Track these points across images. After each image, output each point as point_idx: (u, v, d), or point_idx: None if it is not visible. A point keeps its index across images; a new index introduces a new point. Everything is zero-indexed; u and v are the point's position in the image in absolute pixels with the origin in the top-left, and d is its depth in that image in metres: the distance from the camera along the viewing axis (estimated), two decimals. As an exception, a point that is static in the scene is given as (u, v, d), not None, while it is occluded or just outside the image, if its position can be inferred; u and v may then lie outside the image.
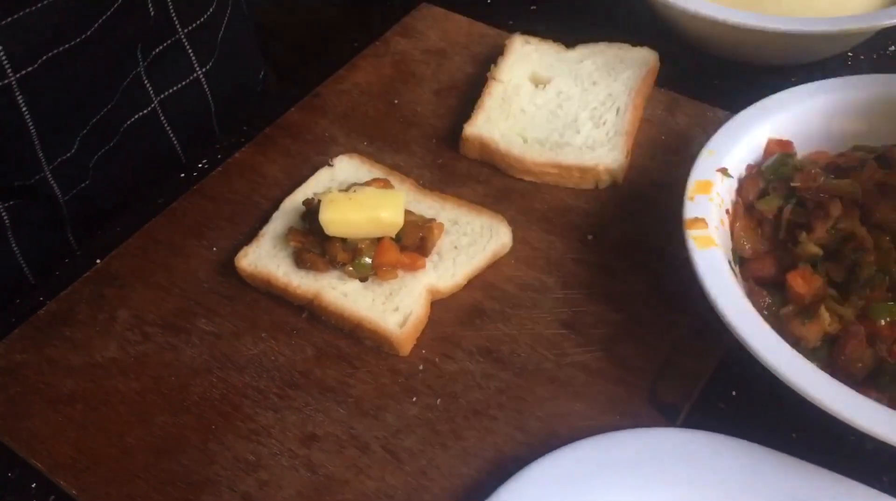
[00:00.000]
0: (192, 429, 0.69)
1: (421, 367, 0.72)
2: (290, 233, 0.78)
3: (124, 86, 0.93)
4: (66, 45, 0.81)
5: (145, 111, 0.98)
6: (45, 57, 0.80)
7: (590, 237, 0.80)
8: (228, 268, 0.79)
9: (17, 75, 0.78)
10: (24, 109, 0.81)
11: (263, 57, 1.23)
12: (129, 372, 0.73)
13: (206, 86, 1.04)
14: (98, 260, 0.81)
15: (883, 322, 0.65)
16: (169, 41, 0.97)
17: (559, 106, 0.90)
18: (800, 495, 0.60)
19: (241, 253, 0.79)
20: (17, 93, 0.80)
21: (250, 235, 0.81)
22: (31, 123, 0.83)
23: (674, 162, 0.85)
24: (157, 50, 0.96)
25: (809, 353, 0.64)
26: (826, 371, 0.61)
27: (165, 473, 0.67)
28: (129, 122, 0.96)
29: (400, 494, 0.65)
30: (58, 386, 0.72)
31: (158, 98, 0.99)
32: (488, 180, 0.86)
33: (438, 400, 0.70)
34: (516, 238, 0.80)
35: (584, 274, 0.77)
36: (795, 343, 0.64)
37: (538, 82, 0.93)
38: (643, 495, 0.61)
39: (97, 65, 0.87)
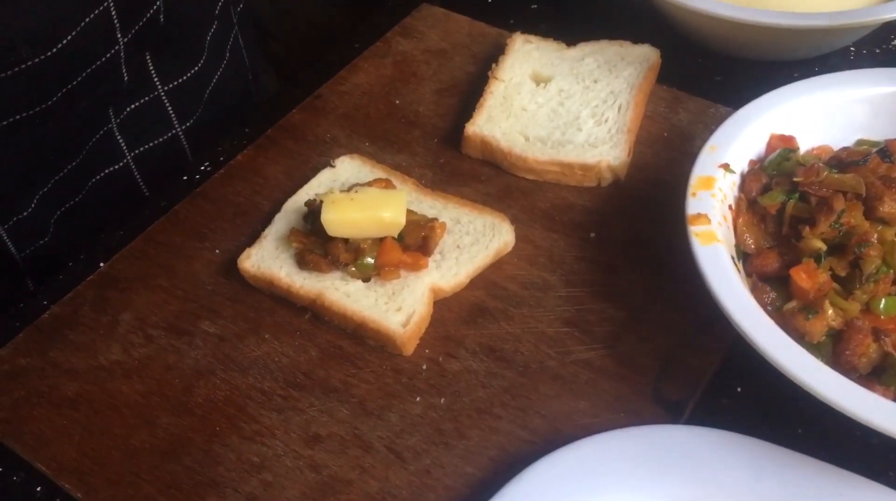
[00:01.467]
0: (196, 431, 0.69)
1: (424, 367, 0.72)
2: (292, 234, 0.78)
3: (92, 143, 0.89)
4: (28, 113, 0.77)
5: (117, 166, 0.94)
6: (3, 122, 0.76)
7: (592, 235, 0.80)
8: (231, 270, 0.79)
9: None
10: None
11: (267, 63, 1.22)
12: (133, 374, 0.73)
13: (184, 142, 0.99)
14: (101, 264, 0.81)
15: (887, 316, 0.64)
16: (146, 98, 0.92)
17: (560, 104, 0.90)
18: (805, 491, 0.60)
19: (244, 254, 0.79)
20: None
21: (253, 237, 0.81)
22: None
23: (676, 158, 0.84)
24: (132, 107, 0.91)
25: (813, 348, 0.64)
26: (830, 366, 0.61)
27: (170, 475, 0.67)
28: (97, 177, 0.92)
29: (404, 494, 0.65)
30: (62, 390, 0.72)
31: (133, 153, 0.94)
32: (490, 179, 0.86)
33: (442, 400, 0.70)
34: (519, 236, 0.80)
35: (586, 272, 0.77)
36: (799, 338, 0.64)
37: (539, 81, 0.93)
38: (648, 492, 0.61)
39: (62, 128, 0.83)
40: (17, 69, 0.73)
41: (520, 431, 0.68)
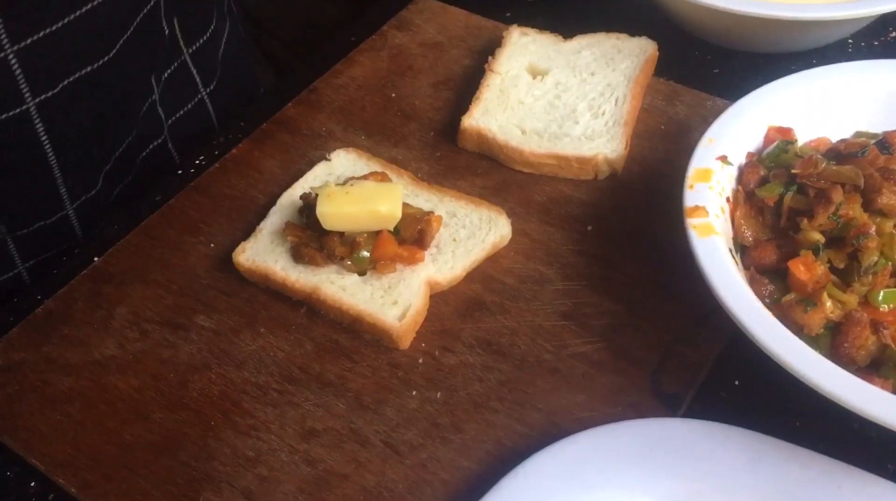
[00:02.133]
0: (191, 426, 0.69)
1: (420, 360, 0.72)
2: (287, 228, 0.78)
3: (141, 115, 0.90)
4: (88, 69, 0.78)
5: (158, 141, 0.96)
6: (65, 81, 0.76)
7: (589, 228, 0.80)
8: (226, 264, 0.78)
9: (36, 100, 0.74)
10: (43, 139, 0.78)
11: (263, 57, 1.23)
12: (128, 369, 0.73)
13: (210, 106, 1.02)
14: (96, 258, 0.81)
15: (886, 308, 0.64)
16: (176, 63, 0.95)
17: (557, 97, 0.89)
18: (804, 484, 0.59)
19: (239, 248, 0.78)
20: (37, 121, 0.76)
21: (248, 231, 0.80)
22: (51, 155, 0.80)
23: (673, 151, 0.84)
24: (167, 73, 0.93)
25: (812, 341, 0.63)
26: (829, 358, 0.61)
27: (165, 470, 0.66)
28: (144, 154, 0.94)
29: (400, 488, 0.64)
30: (56, 385, 0.72)
31: (168, 123, 0.96)
32: (487, 172, 0.86)
33: (438, 394, 0.69)
34: (515, 230, 0.79)
35: (583, 266, 0.77)
36: (798, 330, 0.64)
37: (536, 73, 0.92)
38: (646, 486, 0.61)
39: (116, 92, 0.84)
40: (85, 8, 0.74)
41: (516, 425, 0.67)
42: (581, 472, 0.61)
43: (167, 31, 0.88)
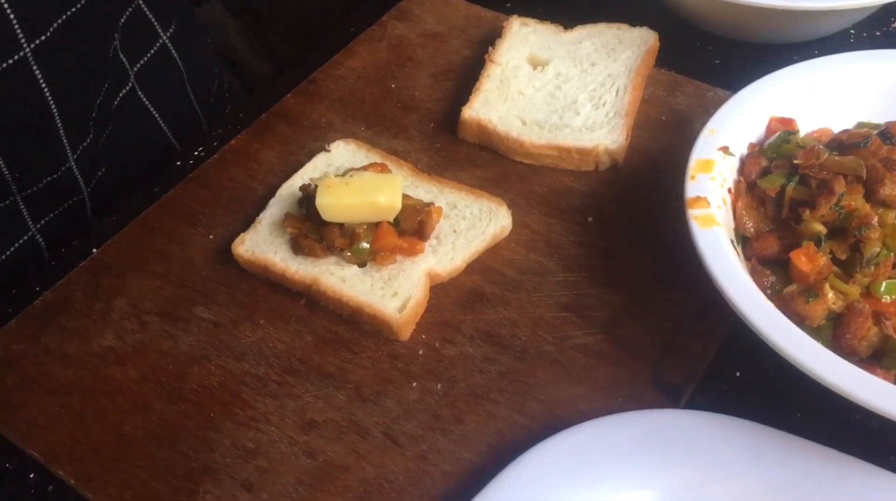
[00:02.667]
0: (190, 417, 0.69)
1: (421, 352, 0.71)
2: (286, 219, 0.77)
3: (108, 60, 0.90)
4: (72, 10, 0.78)
5: (126, 88, 0.95)
6: (55, 24, 0.76)
7: (590, 219, 0.80)
8: (225, 256, 0.78)
9: (32, 45, 0.75)
10: (43, 86, 0.78)
11: (262, 49, 1.22)
12: (127, 360, 0.72)
13: (174, 52, 1.00)
14: (94, 250, 0.81)
15: (888, 299, 0.64)
16: (130, 8, 0.93)
17: (558, 87, 0.89)
18: (805, 475, 0.59)
19: (238, 240, 0.78)
20: (34, 67, 0.76)
21: (247, 222, 0.80)
22: (52, 103, 0.79)
23: (674, 142, 0.84)
24: (123, 19, 0.92)
25: (814, 332, 0.63)
26: (831, 349, 0.60)
27: (164, 461, 0.66)
28: (116, 102, 0.94)
29: (401, 479, 0.64)
30: (55, 376, 0.72)
31: (134, 70, 0.95)
32: (487, 164, 0.85)
33: (439, 385, 0.69)
34: (516, 221, 0.79)
35: (584, 257, 0.77)
36: (800, 322, 0.63)
37: (536, 64, 0.92)
38: (647, 477, 0.60)
39: (93, 36, 0.83)
40: None
41: (517, 416, 0.67)
42: (582, 464, 0.61)
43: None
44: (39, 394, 0.71)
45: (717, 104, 0.77)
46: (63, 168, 0.86)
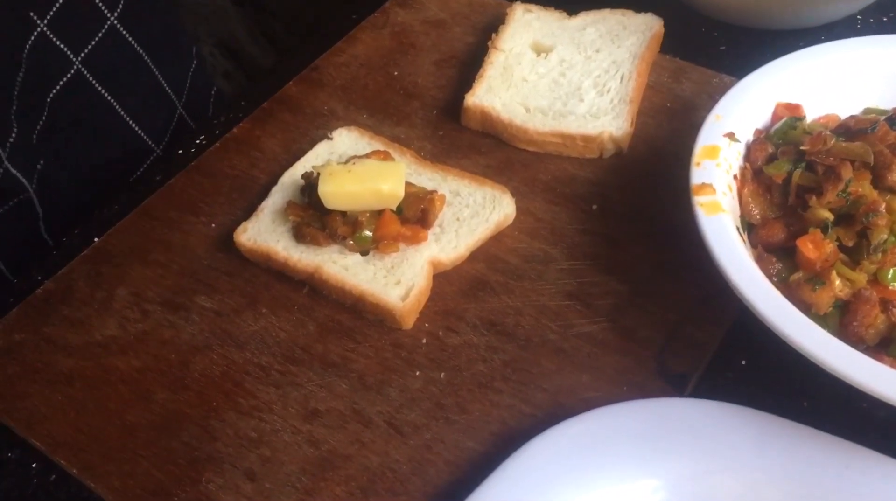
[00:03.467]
0: (192, 407, 0.68)
1: (424, 341, 0.71)
2: (289, 208, 0.77)
3: (27, 49, 0.84)
4: None
5: (68, 75, 0.90)
6: None
7: (594, 207, 0.79)
8: (227, 244, 0.78)
9: None
10: None
11: (263, 37, 1.20)
12: (129, 350, 0.72)
13: (125, 33, 0.95)
14: (95, 239, 0.80)
15: (895, 286, 0.63)
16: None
17: (562, 74, 0.88)
18: (811, 464, 0.59)
19: (240, 228, 0.77)
20: None
21: (249, 210, 0.80)
22: None
23: (680, 129, 0.83)
24: (56, 6, 0.86)
25: (820, 320, 0.63)
26: (837, 337, 0.60)
27: (167, 451, 0.66)
28: (54, 91, 0.89)
29: (404, 468, 0.64)
30: (57, 366, 0.71)
31: (79, 57, 0.90)
32: (490, 151, 0.85)
33: (442, 374, 0.69)
34: (520, 209, 0.78)
35: (589, 245, 0.76)
36: (806, 309, 0.63)
37: (540, 51, 0.91)
38: (652, 466, 0.60)
39: None
40: None
41: (521, 405, 0.67)
42: (586, 453, 0.60)
43: None
44: (41, 384, 0.70)
45: (723, 90, 0.76)
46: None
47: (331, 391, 0.68)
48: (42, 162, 0.89)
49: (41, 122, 0.89)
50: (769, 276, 0.65)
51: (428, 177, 0.80)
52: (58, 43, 0.88)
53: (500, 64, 0.89)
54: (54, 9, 0.86)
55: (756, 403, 0.62)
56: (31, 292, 0.77)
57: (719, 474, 0.60)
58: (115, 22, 0.93)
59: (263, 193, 0.81)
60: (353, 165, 0.75)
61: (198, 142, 0.89)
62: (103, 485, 0.65)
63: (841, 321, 0.63)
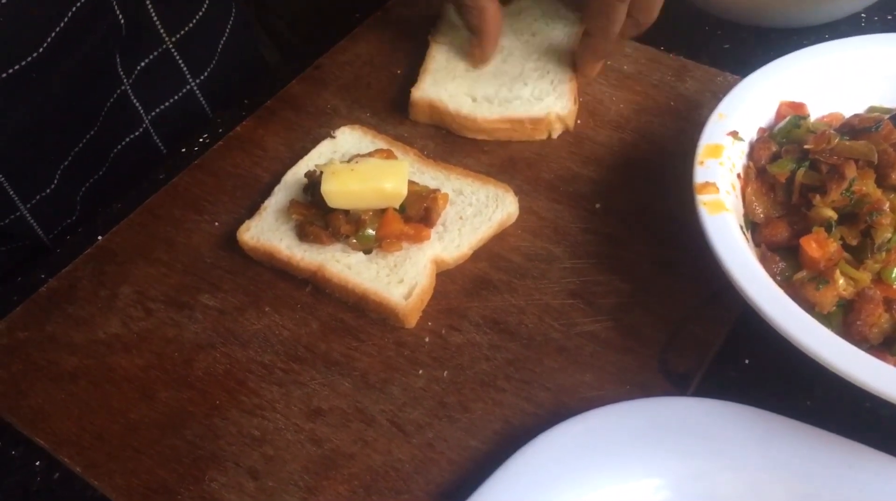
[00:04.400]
0: (196, 405, 0.68)
1: (427, 339, 0.71)
2: (292, 206, 0.77)
3: (108, 107, 0.86)
4: (21, 64, 0.74)
5: (136, 133, 0.92)
6: (4, 73, 0.73)
7: (598, 206, 0.79)
8: (230, 243, 0.78)
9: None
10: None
11: (266, 35, 1.20)
12: (132, 348, 0.72)
13: (201, 97, 0.98)
14: (99, 237, 0.80)
15: (900, 285, 0.63)
16: (156, 52, 0.90)
17: (503, 61, 0.89)
18: (814, 463, 0.59)
19: (243, 227, 0.77)
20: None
21: (252, 209, 0.80)
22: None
23: (683, 128, 0.83)
24: (143, 63, 0.89)
25: (824, 319, 0.63)
26: (841, 336, 0.60)
27: (170, 449, 0.66)
28: (119, 147, 0.91)
29: (407, 467, 0.64)
30: (61, 363, 0.72)
31: (150, 115, 0.92)
32: (493, 150, 0.85)
33: (445, 373, 0.69)
34: (523, 207, 0.78)
35: (592, 244, 0.76)
36: (809, 308, 0.63)
37: None
38: (654, 465, 0.60)
39: (64, 84, 0.79)
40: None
41: (524, 404, 0.67)
42: (589, 452, 0.60)
43: (123, 21, 0.83)
44: (45, 382, 0.71)
45: (726, 89, 0.76)
46: (12, 216, 0.82)
47: (334, 389, 0.69)
48: (74, 217, 0.89)
49: (94, 178, 0.90)
50: (772, 275, 0.65)
51: (431, 176, 0.80)
52: (135, 101, 0.90)
53: (442, 57, 0.90)
54: (142, 65, 0.88)
55: (759, 402, 0.62)
56: (35, 290, 0.77)
57: (722, 473, 0.60)
58: (194, 86, 0.95)
59: (266, 192, 0.81)
60: (356, 164, 0.75)
61: (201, 140, 0.90)
62: (107, 483, 0.65)
63: (844, 320, 0.63)
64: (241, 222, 0.78)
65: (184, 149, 0.89)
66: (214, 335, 0.73)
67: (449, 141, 0.86)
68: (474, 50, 0.87)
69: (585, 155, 0.83)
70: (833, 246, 0.65)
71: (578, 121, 0.86)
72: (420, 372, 0.69)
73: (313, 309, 0.74)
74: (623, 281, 0.73)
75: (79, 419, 0.68)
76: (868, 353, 0.58)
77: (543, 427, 0.62)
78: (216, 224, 0.81)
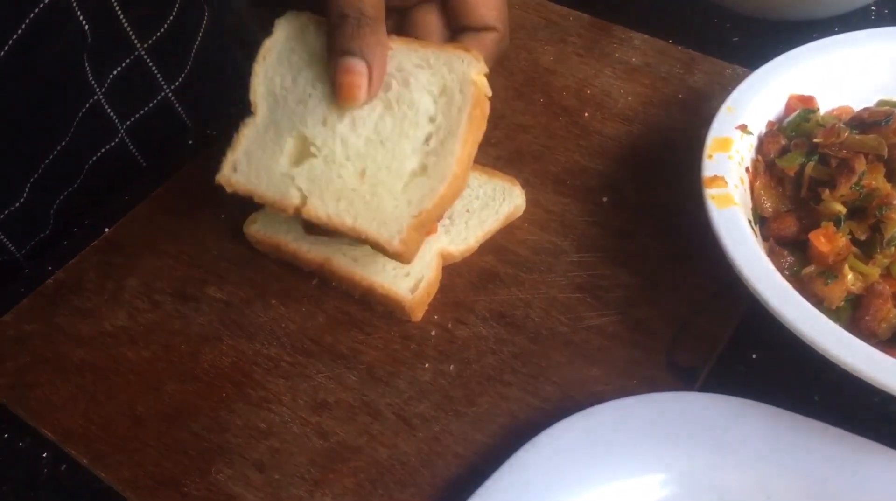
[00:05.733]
0: (202, 397, 0.68)
1: (433, 333, 0.71)
2: (299, 199, 0.77)
3: (80, 117, 0.83)
4: None
5: (111, 144, 0.89)
6: None
7: (605, 199, 0.79)
8: (237, 235, 0.78)
9: None
10: None
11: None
12: (139, 340, 0.72)
13: (177, 105, 0.94)
14: (105, 229, 0.80)
15: (909, 281, 0.63)
16: (128, 60, 0.87)
17: None
18: (822, 458, 0.59)
19: (250, 219, 0.77)
20: None
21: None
22: None
23: (691, 121, 0.82)
24: (116, 71, 0.86)
25: (832, 314, 0.62)
26: (849, 331, 0.59)
27: (176, 441, 0.66)
28: (94, 158, 0.88)
29: (413, 461, 0.64)
30: (67, 356, 0.72)
31: (125, 125, 0.89)
32: (501, 142, 0.84)
33: (451, 366, 0.69)
34: (530, 200, 0.78)
35: (599, 237, 0.76)
36: (818, 303, 0.62)
37: None
38: (661, 460, 0.60)
39: (27, 94, 0.77)
40: None
41: (530, 398, 0.67)
42: (596, 446, 0.60)
43: (88, 26, 0.79)
44: (52, 374, 0.71)
45: (735, 82, 0.76)
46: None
47: (340, 382, 0.69)
48: (48, 231, 0.86)
49: (67, 191, 0.87)
50: (781, 270, 0.64)
51: (438, 169, 0.80)
52: (108, 110, 0.87)
53: None
54: (114, 73, 0.85)
55: (766, 397, 0.62)
56: (42, 282, 0.77)
57: (729, 468, 0.59)
58: (169, 94, 0.92)
59: (273, 184, 0.80)
60: (362, 157, 0.75)
61: (208, 132, 0.89)
62: (113, 475, 0.65)
63: (853, 315, 0.63)
64: (247, 214, 0.78)
65: (190, 142, 0.89)
66: (221, 327, 0.73)
67: (456, 133, 0.85)
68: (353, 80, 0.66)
69: (593, 148, 0.83)
70: (842, 240, 0.64)
71: (586, 114, 0.85)
72: (426, 365, 0.69)
73: (320, 301, 0.74)
74: (630, 274, 0.73)
75: (85, 411, 0.68)
76: (877, 348, 0.58)
77: (550, 421, 0.62)
78: (223, 216, 0.80)
